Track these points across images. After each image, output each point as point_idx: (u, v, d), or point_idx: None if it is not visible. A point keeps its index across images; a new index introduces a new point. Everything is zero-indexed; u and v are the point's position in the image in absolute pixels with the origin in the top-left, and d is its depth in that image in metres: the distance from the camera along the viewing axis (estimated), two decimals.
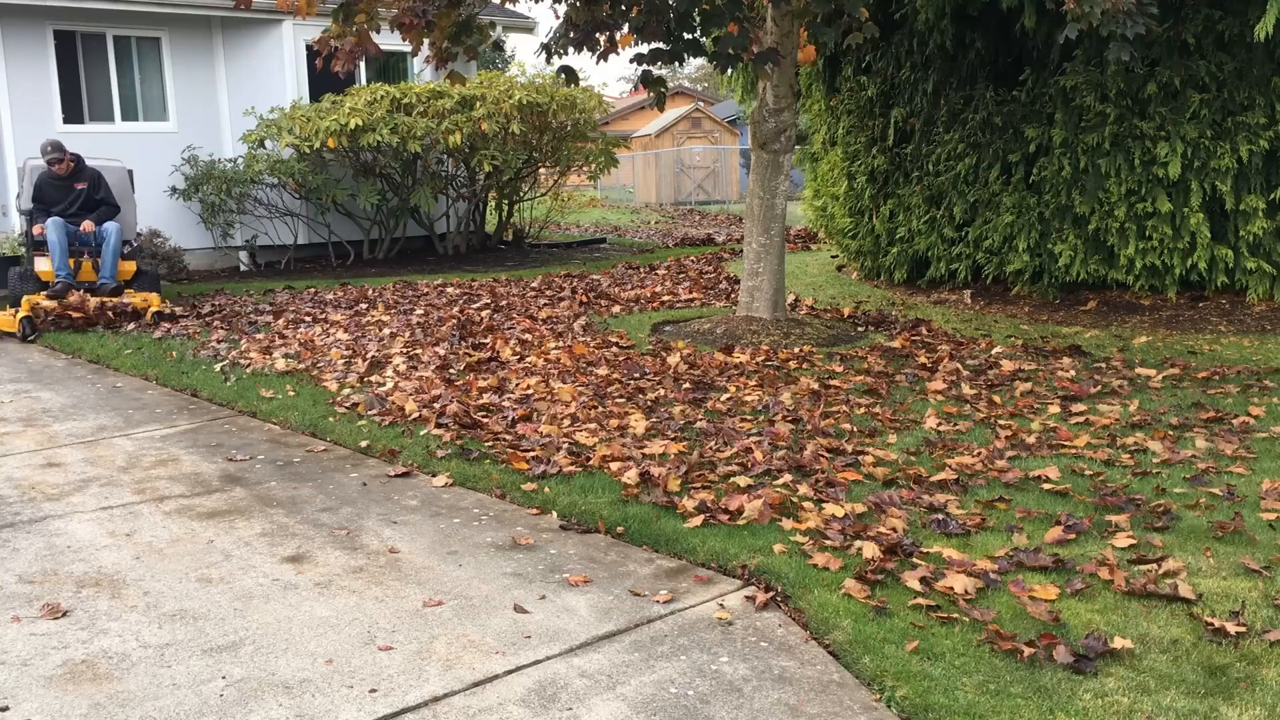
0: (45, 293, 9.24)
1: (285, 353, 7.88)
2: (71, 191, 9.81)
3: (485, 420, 5.93)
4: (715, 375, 6.97)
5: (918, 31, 9.98)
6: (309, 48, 11.52)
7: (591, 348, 7.81)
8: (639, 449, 5.32)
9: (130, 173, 10.73)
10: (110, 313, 9.28)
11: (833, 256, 13.26)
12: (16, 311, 9.14)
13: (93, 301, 9.28)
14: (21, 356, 8.54)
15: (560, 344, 7.93)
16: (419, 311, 9.59)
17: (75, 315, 9.14)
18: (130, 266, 9.82)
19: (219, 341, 8.46)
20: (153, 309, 9.43)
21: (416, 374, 7.03)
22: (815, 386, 6.59)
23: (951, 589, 3.66)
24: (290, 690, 3.17)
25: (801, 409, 6.06)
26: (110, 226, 9.63)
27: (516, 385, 6.69)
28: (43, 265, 9.49)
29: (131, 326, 9.28)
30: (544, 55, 7.27)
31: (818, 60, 11.18)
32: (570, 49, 7.05)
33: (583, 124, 14.31)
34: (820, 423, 5.77)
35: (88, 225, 9.59)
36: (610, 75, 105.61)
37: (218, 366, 7.60)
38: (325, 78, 12.70)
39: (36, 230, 9.50)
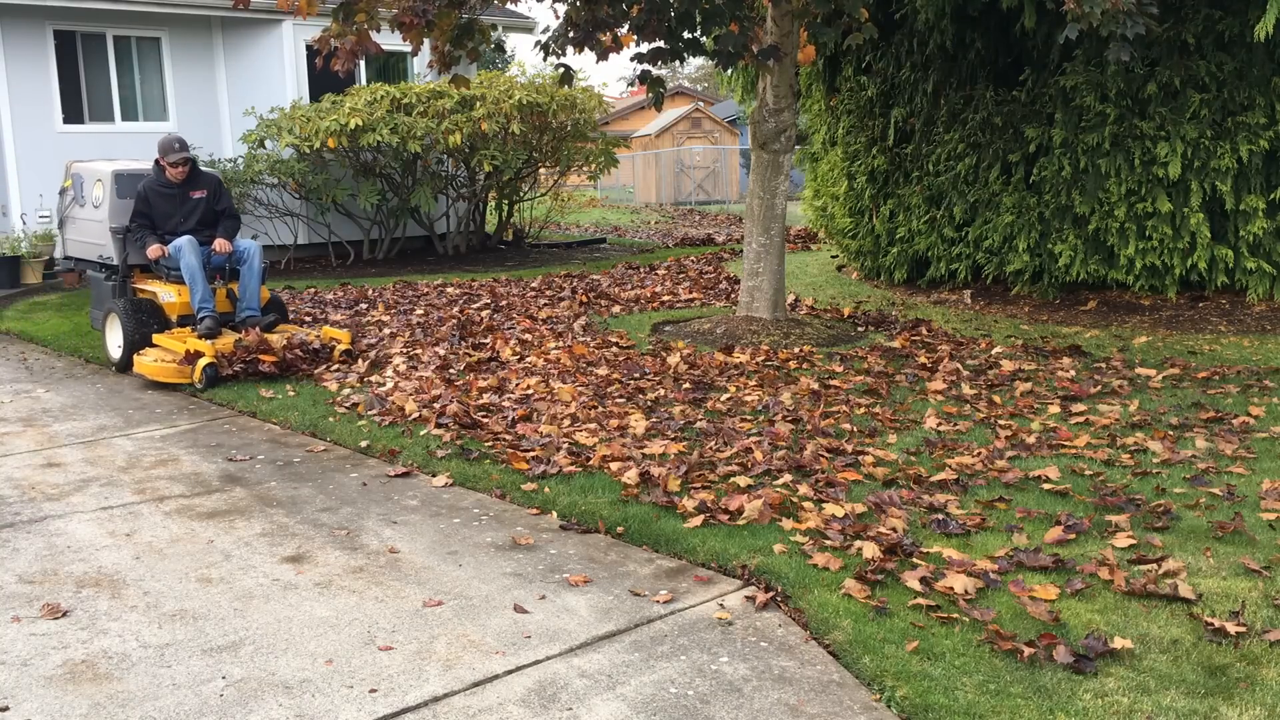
0: (194, 331, 7.43)
1: None
2: (186, 202, 7.78)
3: (485, 420, 5.93)
4: (715, 375, 6.97)
5: (918, 31, 9.98)
6: (309, 48, 11.52)
7: (591, 348, 7.81)
8: (639, 449, 5.32)
9: None
10: (299, 351, 7.40)
11: (833, 256, 13.26)
12: (180, 358, 7.21)
13: (277, 340, 7.37)
14: (22, 356, 8.54)
15: (560, 344, 7.93)
16: (419, 311, 9.59)
17: (265, 360, 7.21)
18: (264, 293, 7.89)
19: None
20: (341, 346, 7.57)
21: (416, 374, 7.03)
22: (815, 386, 6.59)
23: (951, 589, 3.66)
24: (290, 690, 3.17)
25: (801, 409, 6.06)
26: (250, 246, 7.72)
27: (516, 385, 6.69)
28: (167, 296, 7.67)
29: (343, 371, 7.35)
30: (543, 54, 7.27)
31: (818, 60, 11.18)
32: (570, 48, 7.05)
33: (583, 124, 14.31)
34: (820, 423, 5.77)
35: (224, 245, 7.63)
36: (610, 75, 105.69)
37: None
38: (325, 78, 12.72)
39: (152, 251, 7.56)
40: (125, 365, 7.70)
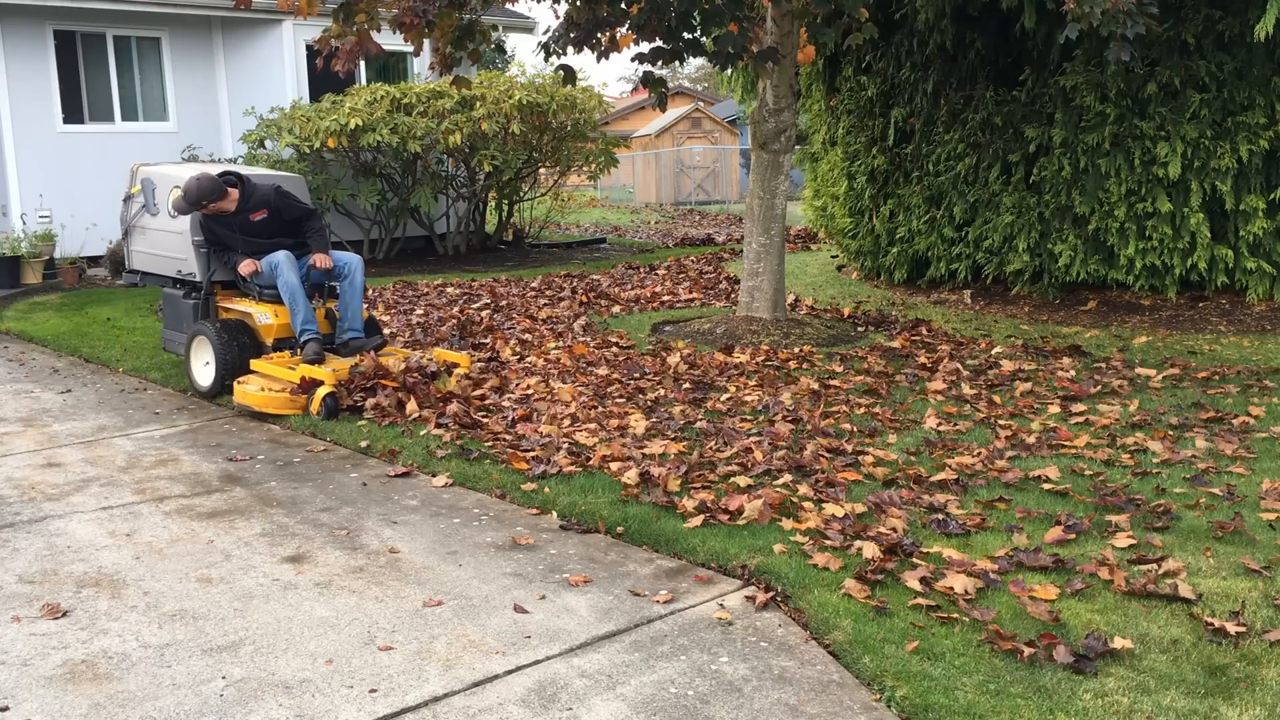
0: (301, 357, 6.62)
1: None
2: (250, 226, 6.85)
3: (485, 420, 5.93)
4: (715, 375, 6.97)
5: (918, 31, 9.98)
6: (309, 48, 11.51)
7: (591, 348, 7.81)
8: (639, 449, 5.32)
9: None
10: (416, 376, 6.54)
11: (833, 256, 13.26)
12: (292, 387, 6.45)
13: (393, 364, 6.55)
14: (21, 356, 8.54)
15: (560, 344, 7.93)
16: (419, 311, 9.59)
17: (387, 386, 6.40)
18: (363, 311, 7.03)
19: None
20: (460, 370, 6.82)
21: None
22: (815, 386, 6.59)
23: (951, 589, 3.66)
24: (290, 690, 3.17)
25: (801, 409, 6.06)
26: (351, 260, 6.85)
27: (516, 385, 6.69)
28: (264, 318, 6.85)
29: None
30: (544, 55, 7.27)
31: (818, 60, 11.18)
32: (570, 48, 7.05)
33: (583, 124, 14.31)
34: (820, 423, 5.77)
35: (325, 260, 6.72)
36: (610, 75, 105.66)
37: None
38: (325, 78, 12.71)
39: (245, 267, 6.72)
40: (217, 393, 6.94)
